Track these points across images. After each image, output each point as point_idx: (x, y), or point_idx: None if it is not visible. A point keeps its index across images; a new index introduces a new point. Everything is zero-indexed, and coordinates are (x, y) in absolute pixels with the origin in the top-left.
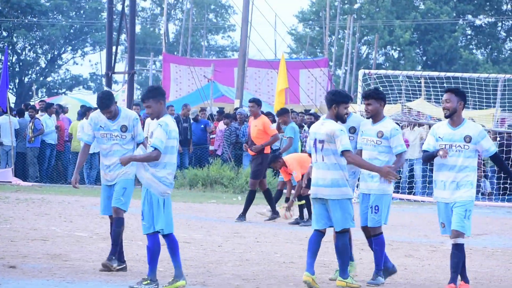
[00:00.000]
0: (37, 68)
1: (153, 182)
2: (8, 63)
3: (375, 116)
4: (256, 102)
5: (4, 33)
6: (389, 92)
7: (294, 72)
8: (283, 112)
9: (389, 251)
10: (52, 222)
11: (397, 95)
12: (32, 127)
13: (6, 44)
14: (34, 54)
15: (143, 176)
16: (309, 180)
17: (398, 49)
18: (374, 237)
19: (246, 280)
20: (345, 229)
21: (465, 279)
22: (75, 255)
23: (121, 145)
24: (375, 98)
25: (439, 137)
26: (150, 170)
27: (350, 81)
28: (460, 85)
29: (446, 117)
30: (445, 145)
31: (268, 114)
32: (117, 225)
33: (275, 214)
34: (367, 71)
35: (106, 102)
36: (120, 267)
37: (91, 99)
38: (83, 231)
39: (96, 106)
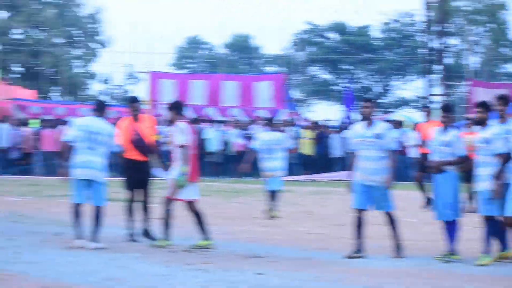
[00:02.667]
0: (373, 92)
1: None
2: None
3: (482, 123)
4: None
5: (349, 67)
6: None
7: None
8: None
9: None
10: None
11: None
12: None
13: (351, 74)
14: (371, 82)
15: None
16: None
17: None
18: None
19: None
20: None
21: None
22: (407, 236)
23: (374, 150)
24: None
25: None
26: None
27: None
28: None
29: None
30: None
31: None
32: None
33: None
34: None
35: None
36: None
37: (414, 116)
38: (413, 217)
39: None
